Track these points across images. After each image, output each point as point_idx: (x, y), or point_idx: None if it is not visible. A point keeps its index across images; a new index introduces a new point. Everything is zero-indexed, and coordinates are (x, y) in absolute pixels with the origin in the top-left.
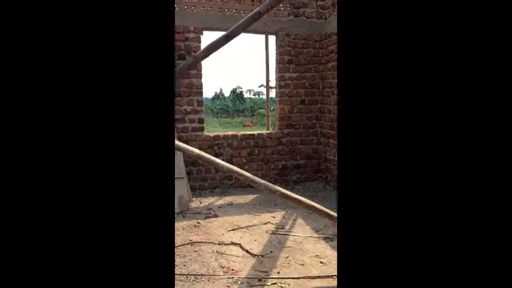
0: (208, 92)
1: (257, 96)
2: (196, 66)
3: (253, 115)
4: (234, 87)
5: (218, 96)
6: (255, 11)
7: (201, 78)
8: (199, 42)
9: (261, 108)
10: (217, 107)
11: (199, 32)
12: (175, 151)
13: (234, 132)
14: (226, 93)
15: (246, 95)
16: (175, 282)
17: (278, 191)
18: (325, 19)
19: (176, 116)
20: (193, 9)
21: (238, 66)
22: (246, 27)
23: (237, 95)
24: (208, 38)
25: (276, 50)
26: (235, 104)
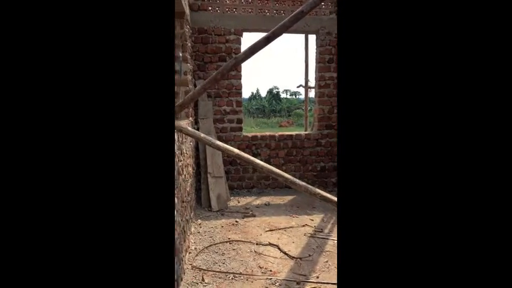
0: (244, 92)
1: (294, 97)
2: (236, 67)
3: (289, 115)
4: (271, 87)
5: (255, 97)
6: (298, 10)
7: (240, 79)
8: (240, 43)
9: (298, 109)
10: (254, 107)
11: (239, 33)
12: (215, 150)
13: (271, 133)
14: (263, 94)
15: (283, 95)
16: (215, 279)
17: (319, 193)
18: None
19: (216, 116)
20: (234, 11)
21: (275, 66)
22: (288, 28)
23: (273, 95)
24: (247, 39)
25: (316, 49)
26: (271, 104)
